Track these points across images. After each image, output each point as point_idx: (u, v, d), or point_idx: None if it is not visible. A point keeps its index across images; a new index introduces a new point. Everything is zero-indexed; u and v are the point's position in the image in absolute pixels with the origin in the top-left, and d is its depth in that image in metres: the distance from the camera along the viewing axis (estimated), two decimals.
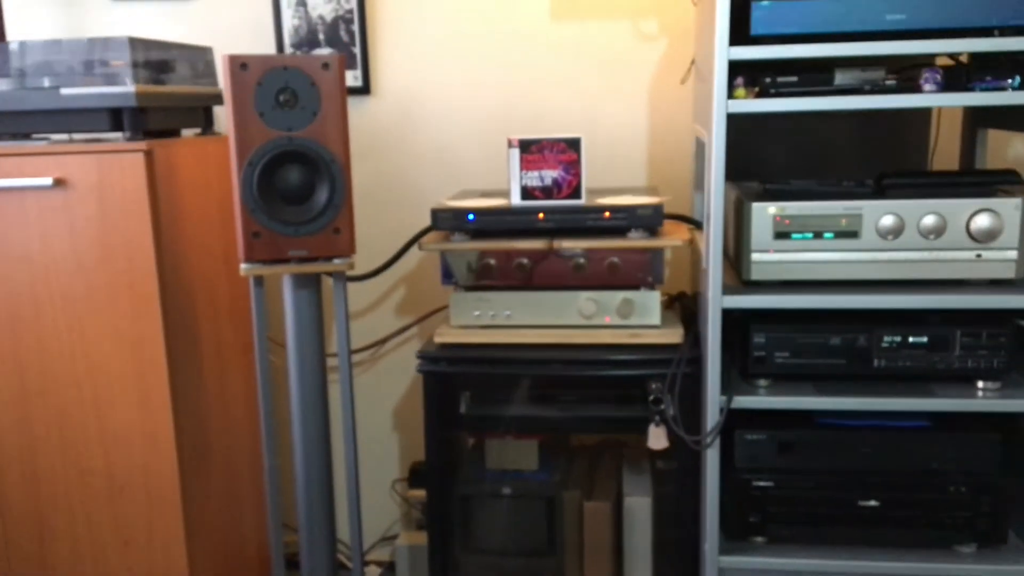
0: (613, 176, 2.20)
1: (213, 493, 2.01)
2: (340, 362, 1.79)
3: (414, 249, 2.30)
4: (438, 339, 1.82)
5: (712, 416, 1.59)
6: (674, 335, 1.76)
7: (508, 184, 1.80)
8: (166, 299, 1.81)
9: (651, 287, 1.77)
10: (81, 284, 1.80)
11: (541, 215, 1.74)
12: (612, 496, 1.94)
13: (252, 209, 1.62)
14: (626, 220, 1.72)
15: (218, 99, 2.10)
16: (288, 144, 1.62)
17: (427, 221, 2.26)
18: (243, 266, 1.65)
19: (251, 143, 1.60)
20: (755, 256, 1.58)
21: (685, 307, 1.97)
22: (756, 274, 1.58)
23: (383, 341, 2.33)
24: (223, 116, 2.28)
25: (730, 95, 1.48)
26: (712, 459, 1.61)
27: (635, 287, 1.78)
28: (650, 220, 1.72)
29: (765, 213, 1.56)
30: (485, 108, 2.21)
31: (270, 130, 1.61)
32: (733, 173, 1.87)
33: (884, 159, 2.01)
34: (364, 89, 2.25)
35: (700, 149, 1.91)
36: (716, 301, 1.55)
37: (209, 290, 1.99)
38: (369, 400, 2.43)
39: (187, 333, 1.89)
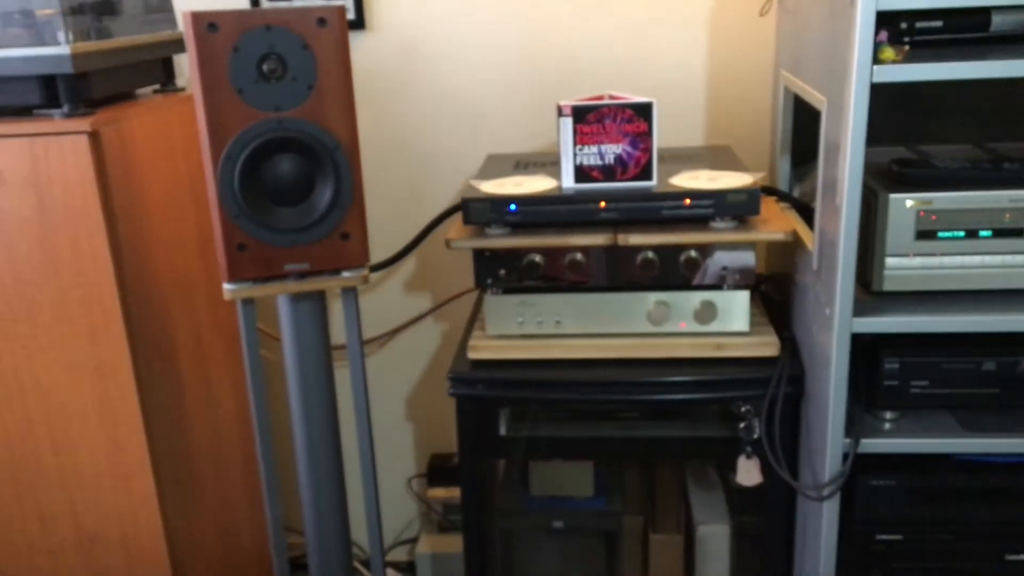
0: (664, 128, 1.81)
1: (204, 522, 1.69)
2: (354, 388, 1.45)
3: (426, 216, 1.92)
4: (473, 354, 1.47)
5: (832, 461, 1.26)
6: (768, 345, 1.42)
7: (559, 160, 1.41)
8: (130, 312, 1.44)
9: (739, 286, 1.42)
10: (21, 302, 1.42)
11: (603, 203, 1.37)
12: (680, 523, 1.63)
13: (235, 215, 1.24)
14: (713, 208, 1.36)
15: (179, 46, 1.68)
16: (277, 128, 1.22)
17: (439, 183, 1.89)
18: (227, 287, 1.28)
19: (228, 130, 1.21)
20: (891, 261, 1.22)
21: (765, 296, 1.62)
22: (891, 284, 1.23)
23: (395, 331, 1.97)
24: (187, 65, 1.86)
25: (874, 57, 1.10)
26: (830, 512, 1.29)
27: (717, 286, 1.43)
28: (744, 207, 1.35)
29: (904, 208, 1.21)
30: (506, 45, 1.80)
31: (252, 111, 1.21)
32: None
33: (989, 99, 1.64)
34: (358, 23, 1.83)
35: (789, 103, 1.54)
36: (844, 325, 1.20)
37: (184, 286, 1.61)
38: (377, 389, 2.09)
39: (160, 347, 1.53)
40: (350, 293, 1.37)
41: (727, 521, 1.59)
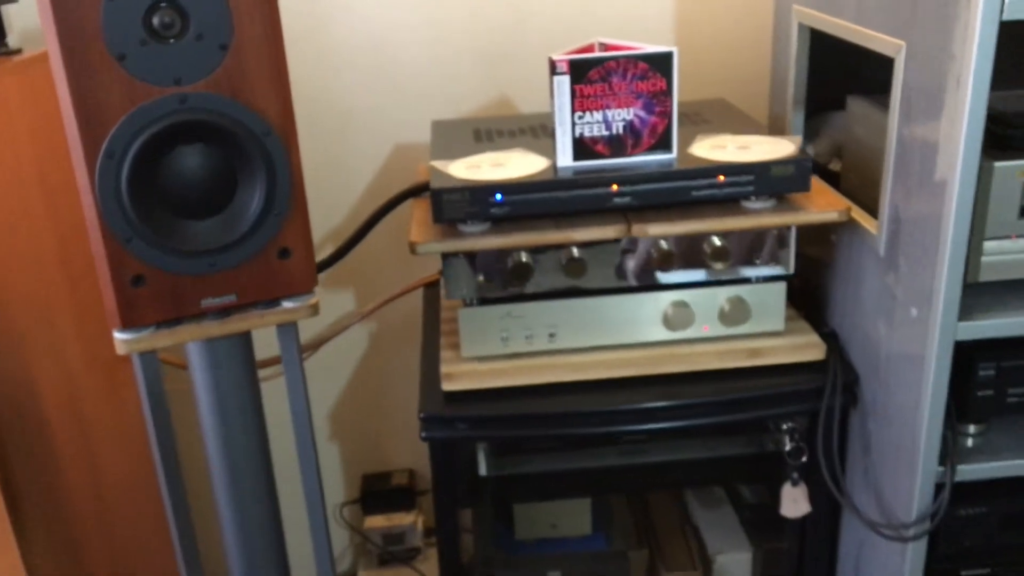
0: None
1: None
2: (299, 447, 1.11)
3: (347, 193, 1.57)
4: (447, 385, 1.15)
5: (923, 493, 1.02)
6: (811, 348, 1.16)
7: (552, 129, 1.10)
8: None
9: (774, 278, 1.15)
10: None
11: (614, 186, 1.06)
12: (692, 555, 1.38)
13: (125, 237, 0.87)
14: (753, 186, 1.07)
15: None
16: (179, 109, 0.85)
17: (361, 153, 1.54)
18: (119, 337, 0.91)
19: (107, 115, 0.83)
20: (989, 245, 0.98)
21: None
22: (988, 273, 0.99)
23: (319, 344, 1.61)
24: (17, 16, 1.42)
25: None
26: (915, 554, 1.06)
27: (746, 279, 1.15)
28: (792, 183, 1.07)
29: (1011, 178, 0.95)
30: None
31: (142, 85, 0.84)
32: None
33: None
34: None
35: (805, 46, 1.26)
36: (948, 332, 0.95)
37: (44, 314, 1.22)
38: None
39: (17, 399, 1.14)
40: (290, 330, 1.02)
41: (747, 547, 1.35)
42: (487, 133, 1.27)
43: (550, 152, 1.14)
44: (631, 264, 1.13)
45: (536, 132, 1.26)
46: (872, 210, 1.13)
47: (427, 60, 1.49)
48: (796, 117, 1.31)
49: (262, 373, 1.57)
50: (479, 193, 1.04)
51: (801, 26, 1.26)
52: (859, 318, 1.14)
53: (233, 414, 1.04)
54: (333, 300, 1.63)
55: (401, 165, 1.54)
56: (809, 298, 1.27)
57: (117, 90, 0.82)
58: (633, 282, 1.14)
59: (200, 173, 0.88)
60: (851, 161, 1.22)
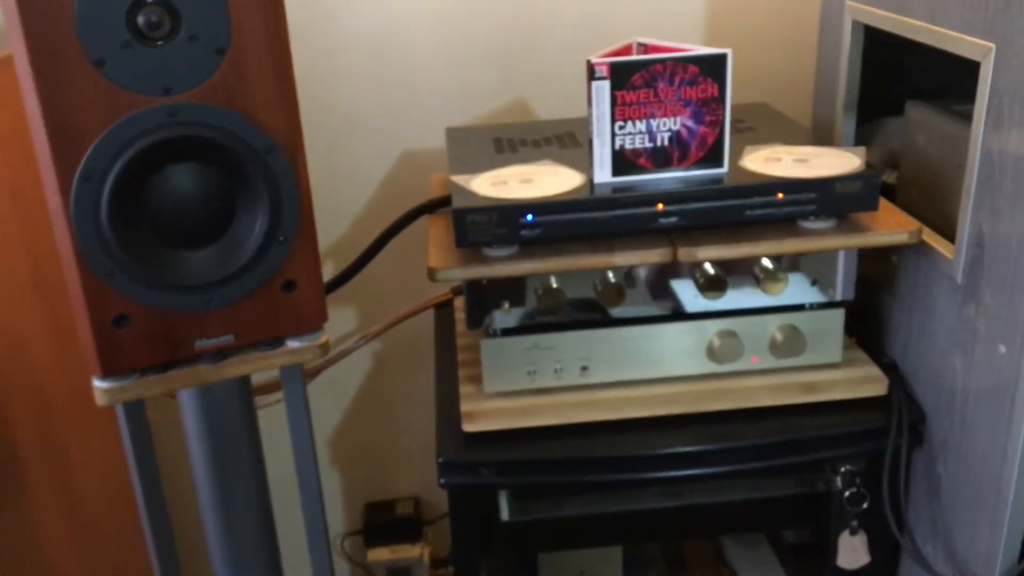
0: None
1: None
2: (303, 492, 0.99)
3: (357, 217, 1.45)
4: (469, 426, 1.03)
5: (1008, 547, 0.91)
6: (872, 382, 1.05)
7: (588, 140, 0.98)
8: None
9: (831, 304, 1.04)
10: None
11: (660, 204, 0.94)
12: None
13: (107, 271, 0.74)
14: (815, 204, 0.95)
15: None
16: (169, 123, 0.73)
17: (365, 159, 1.42)
18: (100, 386, 0.79)
19: (83, 130, 0.71)
20: None
21: None
22: None
23: (319, 369, 1.48)
24: None
25: None
26: None
27: (800, 306, 1.04)
28: (858, 201, 0.96)
29: None
30: None
31: (125, 95, 0.71)
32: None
33: None
34: None
35: (859, 45, 1.15)
36: None
37: (17, 340, 1.09)
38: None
39: None
40: (294, 371, 0.89)
41: None
42: (509, 142, 1.15)
43: (582, 164, 1.02)
44: (673, 290, 1.02)
45: (564, 141, 1.14)
46: (936, 228, 1.02)
47: (437, 59, 1.37)
48: (847, 124, 1.20)
49: (261, 399, 1.44)
50: (508, 213, 0.92)
51: (855, 24, 1.14)
52: (926, 350, 1.02)
53: (229, 459, 0.93)
54: (335, 320, 1.51)
55: (410, 173, 1.42)
56: (863, 325, 1.16)
57: (96, 101, 0.70)
58: (675, 309, 1.03)
59: (193, 196, 0.76)
60: (910, 174, 1.11)
